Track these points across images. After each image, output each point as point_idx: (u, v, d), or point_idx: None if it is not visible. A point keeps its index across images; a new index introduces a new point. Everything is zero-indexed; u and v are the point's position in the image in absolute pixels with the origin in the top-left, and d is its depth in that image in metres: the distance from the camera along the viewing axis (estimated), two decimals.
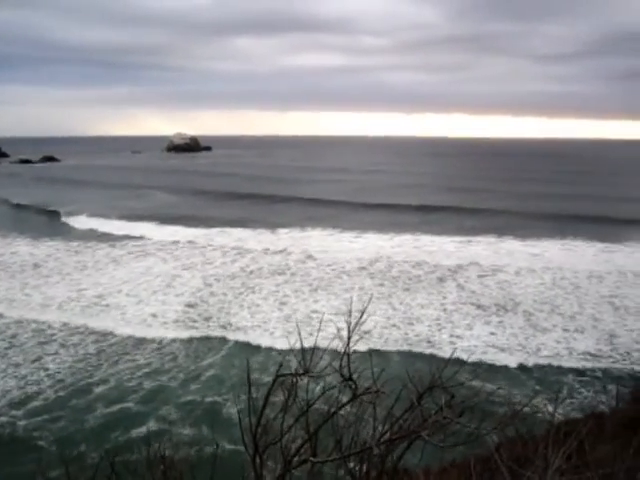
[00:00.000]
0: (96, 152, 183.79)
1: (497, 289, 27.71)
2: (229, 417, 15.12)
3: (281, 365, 3.73)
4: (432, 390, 3.90)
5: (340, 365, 3.69)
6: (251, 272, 31.03)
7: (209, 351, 20.38)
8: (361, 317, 3.75)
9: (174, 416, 15.82)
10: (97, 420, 15.58)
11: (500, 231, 41.98)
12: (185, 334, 21.83)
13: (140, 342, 21.27)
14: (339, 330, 3.98)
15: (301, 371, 3.70)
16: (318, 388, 3.94)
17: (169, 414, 15.95)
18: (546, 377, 18.19)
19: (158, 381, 18.00)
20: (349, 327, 3.71)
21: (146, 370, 18.84)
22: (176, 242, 38.93)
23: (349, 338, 3.69)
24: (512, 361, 19.39)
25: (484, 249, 36.57)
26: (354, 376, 3.69)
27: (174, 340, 21.32)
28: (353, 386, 3.71)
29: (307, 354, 3.82)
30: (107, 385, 17.70)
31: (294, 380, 3.74)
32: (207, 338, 21.48)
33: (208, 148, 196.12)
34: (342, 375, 3.68)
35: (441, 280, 29.38)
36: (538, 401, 14.76)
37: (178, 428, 15.05)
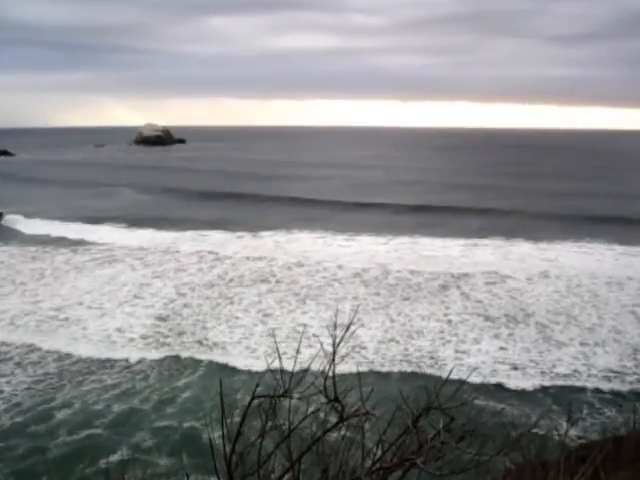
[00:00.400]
0: (55, 145, 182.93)
1: (506, 298, 27.87)
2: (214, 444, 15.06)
3: (257, 385, 3.71)
4: (429, 412, 3.89)
5: (324, 385, 3.67)
6: (230, 280, 31.00)
7: (184, 370, 20.32)
8: (347, 330, 3.74)
9: (148, 443, 15.75)
10: (60, 449, 15.47)
11: (509, 233, 42.25)
12: (155, 353, 21.71)
13: (106, 360, 21.17)
14: (322, 344, 3.96)
15: (281, 392, 3.68)
16: (301, 411, 3.92)
17: (143, 441, 15.87)
18: (562, 396, 18.27)
19: (129, 404, 17.92)
20: (334, 342, 3.70)
21: (115, 392, 18.76)
22: (146, 247, 38.83)
23: (334, 354, 3.68)
24: (524, 379, 19.47)
25: (491, 253, 36.77)
26: (340, 397, 3.67)
27: (143, 359, 21.23)
28: (339, 408, 3.69)
29: (288, 372, 3.80)
30: (71, 409, 17.59)
31: (273, 402, 3.72)
32: (181, 356, 21.39)
33: (182, 141, 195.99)
34: (327, 396, 3.66)
35: (444, 288, 29.50)
36: (549, 422, 14.83)
37: (154, 457, 14.96)
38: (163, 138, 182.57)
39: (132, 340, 22.86)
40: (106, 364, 20.86)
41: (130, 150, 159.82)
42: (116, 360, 21.24)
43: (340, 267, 33.47)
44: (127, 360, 21.14)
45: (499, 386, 18.95)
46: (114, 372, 20.25)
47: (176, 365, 20.73)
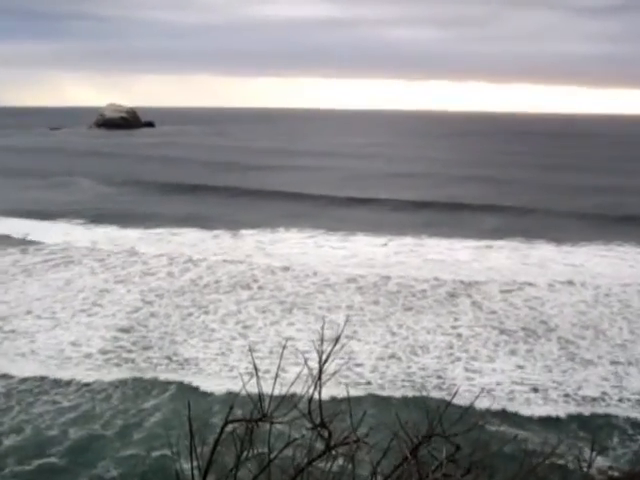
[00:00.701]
0: (1, 127, 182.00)
1: (525, 309, 27.97)
2: (183, 476, 15.02)
3: (232, 408, 3.71)
4: (431, 440, 3.90)
5: (309, 408, 3.67)
6: (205, 286, 30.97)
7: (152, 390, 20.25)
8: (335, 344, 3.74)
9: (112, 474, 15.71)
10: None
11: (528, 233, 42.43)
12: (117, 371, 21.52)
13: (60, 379, 21.08)
14: (307, 361, 3.96)
15: (259, 415, 3.68)
16: (283, 438, 3.92)
17: (106, 471, 15.83)
18: (588, 423, 18.32)
19: (88, 429, 17.86)
20: (321, 358, 3.70)
21: (71, 415, 18.69)
22: (107, 247, 38.72)
23: (320, 372, 3.68)
24: (544, 403, 19.51)
25: (507, 257, 36.89)
26: (328, 422, 3.67)
27: (102, 378, 21.02)
28: (326, 435, 3.69)
29: (268, 393, 3.80)
30: (20, 435, 17.51)
31: (250, 427, 3.72)
32: (145, 376, 21.21)
33: (150, 124, 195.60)
34: (312, 421, 3.66)
35: (452, 297, 29.58)
36: (571, 451, 14.88)
37: None
38: (128, 120, 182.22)
39: (89, 356, 22.74)
40: (60, 383, 20.77)
41: (90, 134, 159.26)
42: (71, 379, 21.13)
43: (333, 272, 33.50)
44: (84, 379, 21.01)
45: (515, 410, 18.98)
46: (70, 392, 20.17)
47: (142, 385, 20.66)
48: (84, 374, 21.38)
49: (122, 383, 20.82)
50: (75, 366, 21.98)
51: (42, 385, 20.69)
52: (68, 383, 20.82)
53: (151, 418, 18.53)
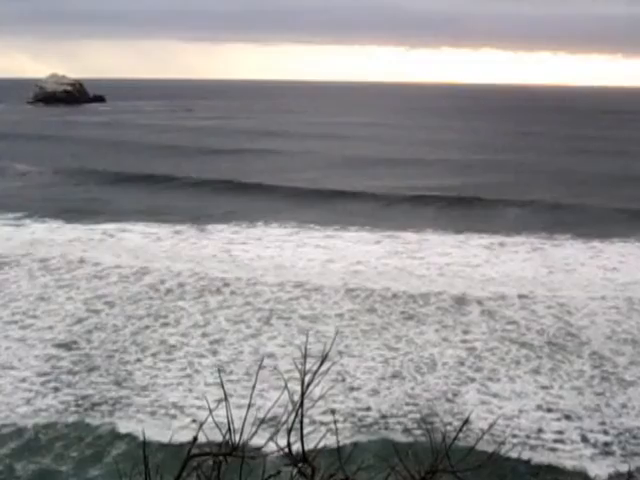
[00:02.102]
0: None
1: (550, 318, 28.10)
2: None
3: (195, 440, 3.68)
4: (435, 476, 3.89)
5: (288, 440, 3.65)
6: (167, 292, 30.97)
7: (102, 418, 20.13)
8: (322, 364, 3.72)
9: None
10: None
11: (551, 229, 42.74)
12: (54, 401, 21.21)
13: None
14: (287, 383, 3.94)
15: (228, 449, 3.66)
16: (256, 475, 3.91)
17: None
18: (629, 455, 18.27)
19: (37, 464, 17.76)
20: (303, 380, 3.68)
21: (15, 444, 18.59)
22: (48, 245, 38.63)
23: (302, 396, 3.65)
24: (574, 431, 19.50)
25: (526, 257, 37.00)
26: (310, 457, 3.66)
27: (41, 408, 20.77)
28: (309, 472, 3.67)
29: (239, 422, 3.78)
30: None
31: (217, 462, 3.70)
32: (93, 404, 21.02)
33: (100, 98, 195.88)
34: (290, 455, 3.64)
35: (460, 303, 29.77)
36: None
37: None
38: (73, 94, 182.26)
39: (22, 381, 22.42)
40: None
41: (26, 111, 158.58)
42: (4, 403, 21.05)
43: (320, 272, 33.70)
44: (28, 402, 20.83)
45: (539, 441, 18.91)
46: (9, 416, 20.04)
47: (92, 413, 20.43)
48: (16, 404, 21.15)
49: (67, 409, 20.70)
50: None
51: None
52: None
53: (112, 450, 18.53)
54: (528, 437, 19.16)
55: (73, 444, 18.90)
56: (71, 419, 20.27)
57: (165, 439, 18.04)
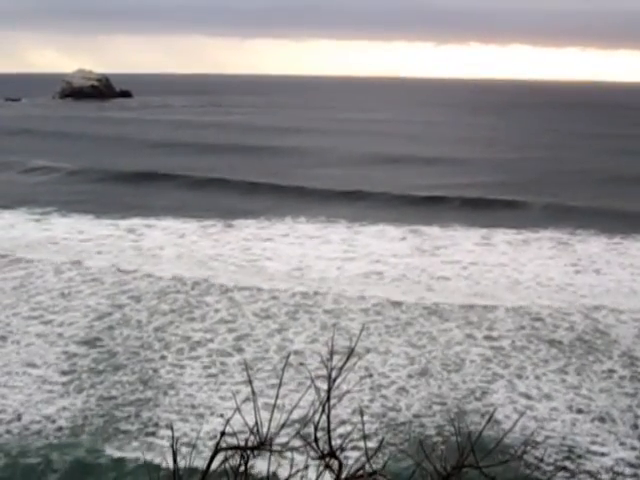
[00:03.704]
0: None
1: (578, 315, 27.88)
2: None
3: (223, 434, 3.71)
4: (461, 472, 3.90)
5: (315, 435, 3.68)
6: (194, 285, 31.05)
7: (128, 419, 20.14)
8: (347, 360, 3.74)
9: None
10: None
11: (574, 222, 42.72)
12: (77, 400, 21.06)
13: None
14: (314, 380, 3.97)
15: (255, 443, 3.69)
16: (283, 469, 3.94)
17: None
18: None
19: (71, 455, 17.78)
20: (330, 375, 3.69)
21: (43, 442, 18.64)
22: (74, 240, 38.99)
23: (329, 392, 3.68)
24: (602, 431, 19.27)
25: (551, 253, 36.78)
26: (337, 451, 3.68)
27: (65, 408, 20.57)
28: (336, 466, 3.70)
29: (266, 417, 3.81)
30: None
31: (245, 456, 3.73)
32: (120, 404, 20.91)
33: (127, 93, 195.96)
34: (318, 449, 3.67)
35: (484, 298, 29.73)
36: None
37: None
38: (100, 90, 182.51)
39: (45, 382, 22.22)
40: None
41: (53, 106, 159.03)
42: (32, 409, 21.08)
43: (339, 268, 33.96)
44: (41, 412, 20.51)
45: (570, 443, 18.66)
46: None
47: (119, 414, 20.41)
48: (43, 407, 21.19)
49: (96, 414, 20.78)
50: (25, 395, 21.36)
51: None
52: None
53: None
54: (554, 431, 19.09)
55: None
56: (96, 420, 20.13)
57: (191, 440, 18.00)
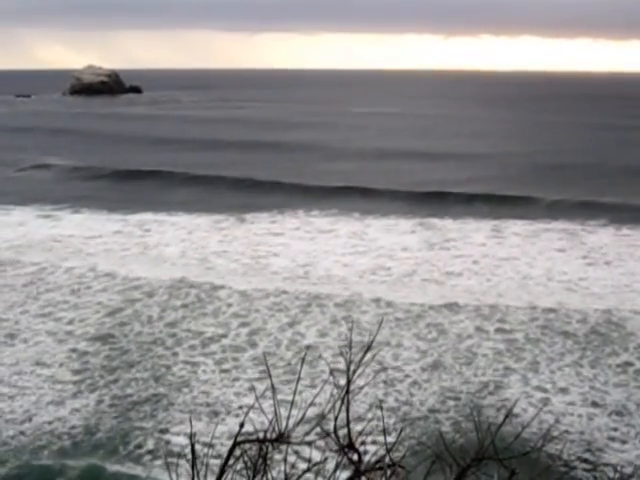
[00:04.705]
0: None
1: (591, 306, 27.81)
2: None
3: (242, 426, 3.71)
4: (481, 464, 3.90)
5: (335, 426, 3.68)
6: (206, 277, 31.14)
7: (143, 419, 20.12)
8: (366, 352, 3.74)
9: None
10: None
11: (583, 214, 42.99)
12: (89, 401, 20.92)
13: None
14: (333, 373, 3.97)
15: (273, 435, 3.69)
16: (303, 461, 3.94)
17: None
18: None
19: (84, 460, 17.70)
20: (348, 368, 3.70)
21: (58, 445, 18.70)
22: (85, 236, 39.22)
23: (348, 385, 3.68)
24: (622, 424, 19.19)
25: (561, 244, 36.88)
26: (357, 443, 3.69)
27: (76, 409, 20.49)
28: (355, 458, 3.70)
29: (285, 409, 3.82)
30: None
31: (264, 449, 3.74)
32: (136, 402, 20.87)
33: (136, 89, 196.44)
34: (338, 441, 3.67)
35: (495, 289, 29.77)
36: None
37: None
38: (110, 85, 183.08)
39: (56, 382, 22.13)
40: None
41: (63, 102, 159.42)
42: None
43: (346, 265, 33.87)
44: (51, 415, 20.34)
45: (590, 438, 18.54)
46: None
47: (135, 415, 20.27)
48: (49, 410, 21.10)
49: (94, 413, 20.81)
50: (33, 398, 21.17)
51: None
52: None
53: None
54: (572, 425, 19.05)
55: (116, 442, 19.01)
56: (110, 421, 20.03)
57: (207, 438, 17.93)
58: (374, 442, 4.05)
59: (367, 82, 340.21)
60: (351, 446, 3.69)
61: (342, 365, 4.03)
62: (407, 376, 21.94)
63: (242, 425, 3.71)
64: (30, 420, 19.65)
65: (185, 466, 4.02)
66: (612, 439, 18.52)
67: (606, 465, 17.22)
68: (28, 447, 18.27)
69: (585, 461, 17.29)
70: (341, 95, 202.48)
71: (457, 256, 35.00)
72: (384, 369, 22.10)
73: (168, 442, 18.32)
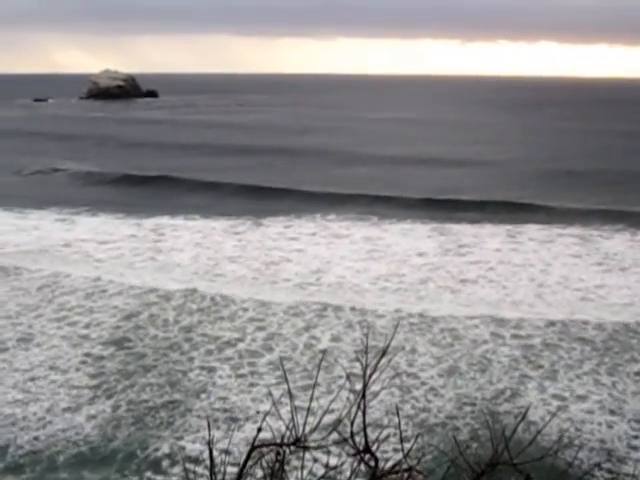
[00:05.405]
0: None
1: (608, 314, 27.62)
2: None
3: (260, 430, 3.75)
4: (496, 469, 3.92)
5: (351, 431, 3.71)
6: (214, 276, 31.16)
7: (160, 426, 20.15)
8: (382, 356, 3.78)
9: None
10: None
11: (598, 220, 42.77)
12: (107, 407, 20.74)
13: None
14: (349, 377, 4.01)
15: (290, 439, 3.73)
16: (320, 465, 3.98)
17: None
18: None
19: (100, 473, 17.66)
20: (365, 372, 3.73)
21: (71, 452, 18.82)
22: (100, 239, 39.49)
23: (364, 388, 3.71)
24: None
25: (574, 254, 36.73)
26: (373, 447, 3.71)
27: (92, 416, 20.26)
28: (372, 462, 3.73)
29: (302, 413, 3.85)
30: None
31: (280, 453, 3.77)
32: (152, 407, 20.79)
33: (153, 93, 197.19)
34: (355, 446, 3.69)
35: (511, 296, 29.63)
36: None
37: None
38: (126, 90, 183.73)
39: (73, 387, 21.97)
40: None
41: (80, 106, 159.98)
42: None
43: (357, 271, 33.85)
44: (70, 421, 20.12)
45: (611, 446, 18.40)
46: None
47: (153, 421, 20.04)
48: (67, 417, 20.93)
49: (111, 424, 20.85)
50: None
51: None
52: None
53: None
54: (592, 434, 18.92)
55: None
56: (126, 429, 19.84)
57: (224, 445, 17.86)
58: (393, 450, 4.08)
59: (383, 87, 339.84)
60: (368, 450, 3.72)
61: (357, 370, 4.06)
62: (423, 383, 21.92)
63: (260, 429, 3.76)
64: (44, 427, 19.55)
65: (203, 474, 4.06)
66: (634, 448, 18.35)
67: (627, 475, 17.12)
68: (44, 453, 18.26)
69: (604, 469, 17.20)
70: (356, 100, 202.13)
71: (473, 262, 34.93)
72: (397, 374, 22.09)
73: (183, 448, 18.31)
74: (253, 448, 3.77)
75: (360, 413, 3.76)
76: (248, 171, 63.98)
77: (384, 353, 3.77)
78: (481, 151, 79.15)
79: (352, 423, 3.70)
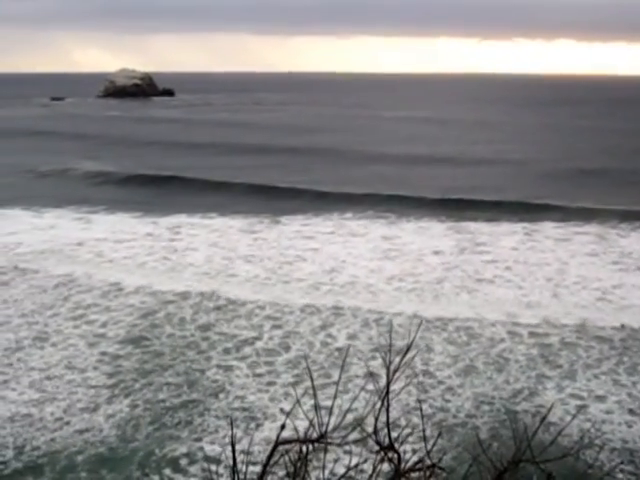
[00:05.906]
0: None
1: (627, 313, 27.49)
2: None
3: (283, 427, 3.77)
4: (518, 466, 3.93)
5: (375, 428, 3.72)
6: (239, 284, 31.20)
7: (178, 425, 20.33)
8: (405, 355, 3.79)
9: None
10: None
11: (614, 219, 42.82)
12: (124, 407, 20.69)
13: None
14: (373, 375, 4.02)
15: (314, 436, 3.74)
16: (343, 463, 3.99)
17: None
18: None
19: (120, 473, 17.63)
20: (388, 370, 3.74)
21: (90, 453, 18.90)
22: (118, 238, 39.54)
23: (387, 386, 3.72)
24: None
25: (590, 253, 36.59)
26: (397, 444, 3.72)
27: (111, 415, 20.26)
28: (395, 459, 3.74)
29: (324, 410, 3.86)
30: None
31: (303, 450, 3.79)
32: (170, 407, 20.78)
33: (169, 92, 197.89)
34: (378, 443, 3.71)
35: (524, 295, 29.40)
36: None
37: None
38: (143, 88, 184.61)
39: (92, 386, 21.97)
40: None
41: (96, 105, 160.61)
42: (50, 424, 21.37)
43: (372, 270, 33.65)
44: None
45: (633, 447, 18.28)
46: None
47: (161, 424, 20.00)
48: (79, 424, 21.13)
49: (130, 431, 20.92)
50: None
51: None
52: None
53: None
54: (613, 434, 18.80)
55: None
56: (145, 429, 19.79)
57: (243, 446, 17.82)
58: (413, 443, 4.09)
59: (400, 85, 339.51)
60: (391, 446, 3.74)
61: (375, 369, 4.06)
62: (440, 382, 21.90)
63: (283, 426, 3.78)
64: (61, 428, 19.53)
65: (223, 473, 4.07)
66: None
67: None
68: (63, 453, 18.25)
69: (625, 471, 17.14)
70: (373, 99, 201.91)
71: (489, 261, 34.86)
72: (415, 374, 22.08)
73: (201, 448, 18.33)
74: (277, 444, 3.79)
75: (382, 410, 3.78)
76: (265, 170, 64.05)
77: (407, 350, 3.78)
78: (497, 149, 78.91)
79: (376, 419, 3.72)
